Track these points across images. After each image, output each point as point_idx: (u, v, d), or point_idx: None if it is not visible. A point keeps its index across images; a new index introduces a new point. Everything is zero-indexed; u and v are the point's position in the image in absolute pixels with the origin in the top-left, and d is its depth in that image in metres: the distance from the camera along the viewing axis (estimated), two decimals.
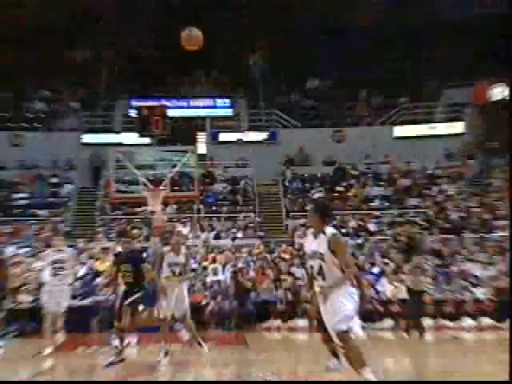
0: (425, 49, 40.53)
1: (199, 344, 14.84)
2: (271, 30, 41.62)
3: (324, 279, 8.46)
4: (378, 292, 24.96)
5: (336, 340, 8.53)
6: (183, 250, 15.18)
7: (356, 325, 8.93)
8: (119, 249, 16.82)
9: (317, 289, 8.68)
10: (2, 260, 16.74)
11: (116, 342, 14.24)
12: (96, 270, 21.28)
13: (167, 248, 15.22)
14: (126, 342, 14.83)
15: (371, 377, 8.34)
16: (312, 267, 8.75)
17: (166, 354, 13.97)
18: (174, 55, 33.41)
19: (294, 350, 12.27)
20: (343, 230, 31.94)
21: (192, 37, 11.06)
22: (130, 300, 14.36)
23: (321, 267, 8.48)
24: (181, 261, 14.79)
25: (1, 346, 16.27)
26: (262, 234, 31.25)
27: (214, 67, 41.20)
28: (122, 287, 14.92)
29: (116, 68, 42.43)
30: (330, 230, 8.47)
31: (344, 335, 8.39)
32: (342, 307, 8.40)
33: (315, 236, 8.54)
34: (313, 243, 8.54)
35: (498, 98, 39.58)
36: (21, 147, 39.01)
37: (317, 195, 34.20)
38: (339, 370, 9.41)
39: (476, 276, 25.27)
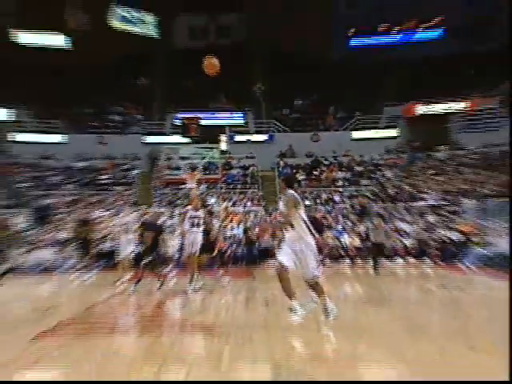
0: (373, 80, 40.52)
1: (190, 279, 14.17)
2: (268, 69, 41.99)
3: (292, 228, 8.16)
4: (340, 242, 25.27)
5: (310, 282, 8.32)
6: (200, 206, 15.12)
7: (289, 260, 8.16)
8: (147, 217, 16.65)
9: (288, 236, 8.28)
10: (89, 220, 16.80)
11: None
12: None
13: (189, 206, 15.16)
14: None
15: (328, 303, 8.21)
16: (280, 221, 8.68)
17: (191, 281, 13.85)
18: (205, 84, 33.72)
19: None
20: (317, 201, 32.16)
21: (211, 64, 10.28)
22: (145, 261, 14.05)
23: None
24: (199, 215, 14.71)
25: (91, 275, 16.31)
26: (263, 203, 31.23)
27: (231, 91, 41.10)
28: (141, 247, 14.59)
29: (166, 92, 42.34)
30: (288, 191, 8.29)
31: (315, 280, 8.26)
32: (309, 259, 8.14)
33: (282, 198, 8.41)
34: (280, 203, 8.40)
35: (420, 113, 40.84)
36: (104, 145, 39.14)
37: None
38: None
39: (405, 231, 25.45)
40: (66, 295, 15.16)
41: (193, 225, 14.65)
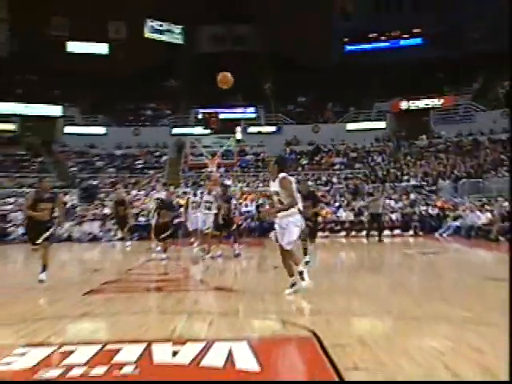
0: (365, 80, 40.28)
1: (207, 251, 14.05)
2: (276, 71, 41.79)
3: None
4: (338, 216, 25.30)
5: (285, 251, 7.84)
6: (214, 192, 15.06)
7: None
8: (160, 196, 16.52)
9: (278, 215, 7.87)
10: (125, 199, 16.82)
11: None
12: (179, 203, 21.23)
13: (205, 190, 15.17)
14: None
15: (301, 268, 7.75)
16: (272, 201, 8.21)
17: (208, 252, 13.79)
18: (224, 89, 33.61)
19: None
20: (318, 182, 32.11)
21: (225, 78, 9.52)
22: (164, 235, 13.78)
23: (279, 200, 7.80)
24: (209, 200, 14.66)
25: (129, 244, 16.36)
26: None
27: (245, 90, 40.93)
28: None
29: (190, 90, 42.23)
30: (281, 174, 7.77)
31: (290, 250, 7.77)
32: (291, 232, 7.71)
33: (274, 180, 7.91)
34: (273, 185, 7.91)
35: (404, 108, 40.77)
36: (139, 136, 39.19)
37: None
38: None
39: (392, 207, 25.42)
40: (109, 260, 15.28)
41: (204, 207, 14.61)
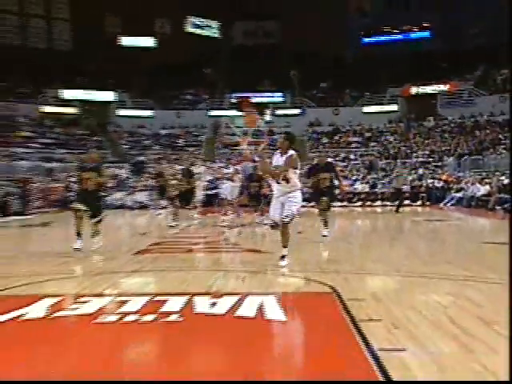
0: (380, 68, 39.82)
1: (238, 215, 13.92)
2: (301, 60, 41.38)
3: (288, 182, 6.86)
4: (354, 188, 25.17)
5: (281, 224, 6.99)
6: (238, 166, 14.99)
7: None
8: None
9: (279, 188, 6.98)
10: (164, 172, 16.71)
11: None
12: (216, 177, 21.26)
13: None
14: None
15: (285, 252, 6.88)
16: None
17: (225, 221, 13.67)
18: (254, 72, 33.54)
19: (313, 219, 12.11)
20: (337, 158, 31.88)
21: (251, 118, 7.98)
22: (189, 206, 13.51)
23: (284, 176, 6.85)
24: (230, 172, 14.56)
25: (161, 213, 16.38)
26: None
27: (274, 78, 40.71)
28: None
29: (226, 78, 42.09)
30: (290, 151, 6.94)
31: (286, 224, 6.90)
32: (290, 207, 6.87)
33: (282, 155, 6.94)
34: (280, 159, 6.93)
35: (414, 92, 40.29)
36: (180, 118, 39.39)
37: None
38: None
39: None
40: (155, 225, 15.40)
41: (226, 179, 14.45)
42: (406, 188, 21.86)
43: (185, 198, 13.29)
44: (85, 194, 8.37)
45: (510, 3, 24.56)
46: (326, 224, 9.87)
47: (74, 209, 8.30)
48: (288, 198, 6.88)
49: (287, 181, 6.88)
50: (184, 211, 14.11)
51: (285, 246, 6.90)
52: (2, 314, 4.32)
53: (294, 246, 7.34)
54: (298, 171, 7.01)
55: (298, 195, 6.99)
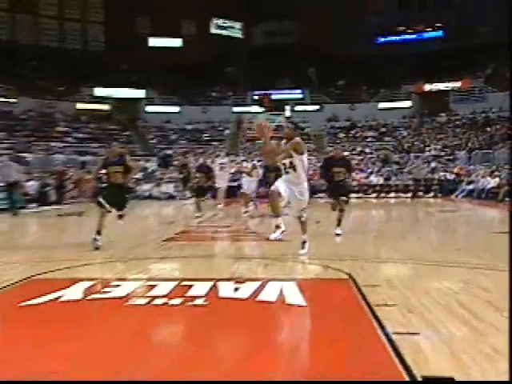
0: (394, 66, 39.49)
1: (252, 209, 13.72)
2: (319, 59, 41.09)
3: (294, 171, 6.35)
4: (370, 181, 25.05)
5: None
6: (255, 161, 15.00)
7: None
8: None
9: (286, 178, 6.48)
10: (188, 164, 16.67)
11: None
12: (239, 170, 21.25)
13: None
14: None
15: (305, 238, 6.73)
16: (284, 164, 6.44)
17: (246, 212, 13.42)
18: (274, 70, 33.43)
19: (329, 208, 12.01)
20: (353, 152, 31.68)
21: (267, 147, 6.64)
22: (203, 198, 13.11)
23: (291, 162, 6.35)
24: (248, 166, 14.55)
25: (187, 203, 16.39)
26: (315, 153, 30.95)
27: (293, 76, 40.57)
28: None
29: (248, 76, 42.02)
30: (296, 138, 6.43)
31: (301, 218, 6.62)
32: (302, 204, 6.51)
33: (286, 143, 6.49)
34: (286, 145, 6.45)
35: (428, 89, 39.84)
36: (206, 113, 39.44)
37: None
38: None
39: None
40: (182, 214, 15.48)
41: (247, 173, 14.30)
42: (422, 179, 21.59)
43: (201, 191, 13.19)
44: (111, 189, 7.89)
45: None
46: (339, 223, 8.99)
47: (100, 203, 7.67)
48: (295, 191, 6.42)
49: (294, 168, 6.40)
50: (209, 202, 14.13)
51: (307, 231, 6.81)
52: (42, 295, 4.41)
53: (312, 235, 7.32)
54: (305, 159, 6.49)
55: (306, 189, 6.52)
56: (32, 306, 4.16)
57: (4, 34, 41.40)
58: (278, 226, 6.46)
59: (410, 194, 22.37)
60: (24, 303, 4.22)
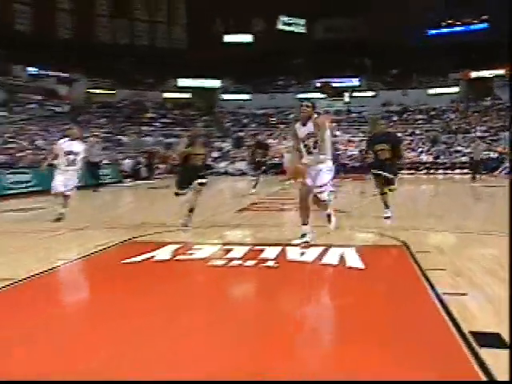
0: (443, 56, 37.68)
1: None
2: (375, 50, 39.73)
3: (320, 150, 5.08)
4: (420, 159, 24.65)
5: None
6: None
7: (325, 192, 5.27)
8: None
9: (309, 159, 5.17)
10: (261, 144, 15.68)
11: None
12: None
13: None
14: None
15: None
16: (306, 145, 5.14)
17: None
18: (335, 61, 32.61)
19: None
20: (405, 133, 30.60)
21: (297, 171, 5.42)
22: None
23: (316, 142, 5.06)
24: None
25: (255, 178, 16.24)
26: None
27: (352, 66, 39.57)
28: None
29: (311, 66, 41.31)
30: (315, 116, 5.18)
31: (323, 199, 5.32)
32: (324, 179, 5.15)
33: (304, 124, 5.14)
34: (302, 129, 5.15)
35: (474, 76, 38.14)
36: (273, 100, 39.28)
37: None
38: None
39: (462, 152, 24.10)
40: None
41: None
42: (481, 159, 20.06)
43: (258, 166, 12.99)
44: (191, 173, 6.46)
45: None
46: (387, 205, 7.25)
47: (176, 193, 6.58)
48: (320, 169, 5.19)
49: (319, 148, 5.15)
50: (277, 177, 14.11)
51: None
52: (138, 255, 4.57)
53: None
54: (327, 137, 5.16)
55: (330, 165, 5.25)
56: (130, 264, 4.33)
57: (102, 35, 42.68)
58: (329, 216, 5.55)
59: (468, 176, 20.13)
60: (124, 261, 4.41)
